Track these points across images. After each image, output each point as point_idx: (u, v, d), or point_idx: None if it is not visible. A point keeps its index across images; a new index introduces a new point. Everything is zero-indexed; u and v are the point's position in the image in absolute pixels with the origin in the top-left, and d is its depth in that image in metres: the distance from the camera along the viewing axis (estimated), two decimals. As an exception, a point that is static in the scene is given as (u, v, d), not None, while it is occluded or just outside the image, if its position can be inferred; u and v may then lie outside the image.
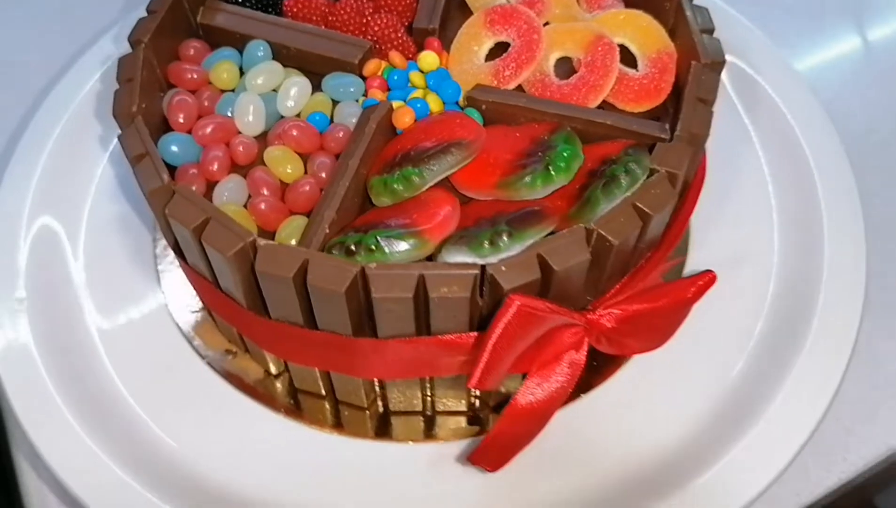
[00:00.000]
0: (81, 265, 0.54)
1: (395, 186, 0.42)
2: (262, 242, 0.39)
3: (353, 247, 0.39)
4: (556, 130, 0.44)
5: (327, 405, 0.50)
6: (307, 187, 0.44)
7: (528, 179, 0.42)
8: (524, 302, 0.36)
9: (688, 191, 0.47)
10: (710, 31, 0.48)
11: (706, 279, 0.44)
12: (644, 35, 0.49)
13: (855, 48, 0.71)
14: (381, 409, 0.49)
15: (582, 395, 0.49)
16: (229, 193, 0.44)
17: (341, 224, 0.42)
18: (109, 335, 0.52)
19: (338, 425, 0.49)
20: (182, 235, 0.42)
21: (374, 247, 0.39)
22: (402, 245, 0.39)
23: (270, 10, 0.52)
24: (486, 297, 0.39)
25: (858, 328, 0.50)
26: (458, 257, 0.38)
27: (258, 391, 0.50)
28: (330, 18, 0.51)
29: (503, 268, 0.38)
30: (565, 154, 0.42)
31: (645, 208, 0.40)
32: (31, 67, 0.68)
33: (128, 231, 0.56)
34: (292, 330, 0.42)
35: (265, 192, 0.44)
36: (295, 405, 0.50)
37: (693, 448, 0.47)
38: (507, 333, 0.37)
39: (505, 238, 0.38)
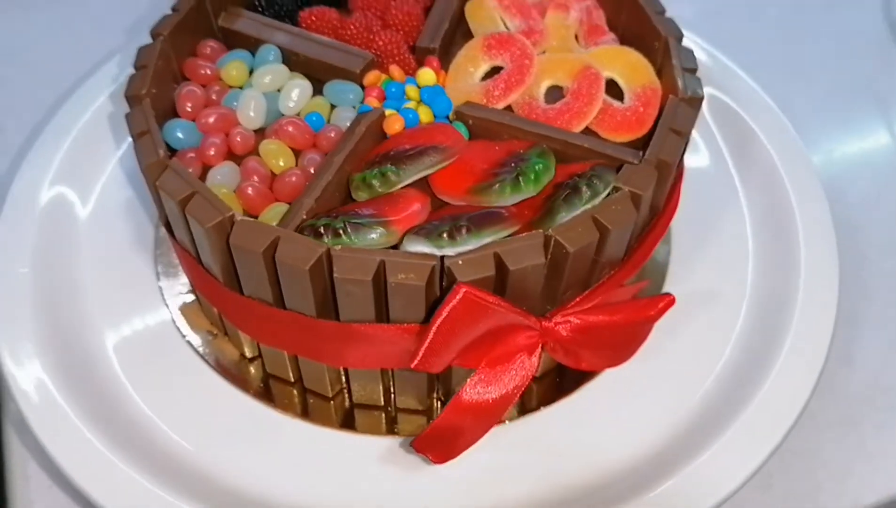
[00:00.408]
0: (86, 241, 0.57)
1: (373, 181, 0.45)
2: (238, 217, 0.42)
3: (321, 229, 0.41)
4: (533, 146, 0.47)
5: (296, 392, 0.52)
6: (293, 178, 0.47)
7: (497, 186, 0.44)
8: (471, 290, 0.38)
9: (656, 218, 0.48)
10: (693, 70, 0.50)
11: (665, 300, 0.46)
12: (632, 70, 0.52)
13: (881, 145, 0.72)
14: (346, 401, 0.51)
15: (546, 406, 0.51)
16: (222, 176, 0.47)
17: (319, 213, 0.45)
18: (100, 309, 0.54)
19: (304, 412, 0.51)
20: (170, 208, 0.44)
21: (341, 231, 0.41)
22: (368, 232, 0.41)
23: (287, 20, 0.56)
24: (444, 289, 0.41)
25: (824, 362, 0.51)
26: (418, 246, 0.41)
27: (232, 373, 0.52)
28: (340, 32, 0.54)
29: (459, 261, 0.40)
30: (537, 167, 0.45)
31: (604, 222, 0.42)
32: (60, 67, 0.72)
33: (131, 216, 0.59)
34: (262, 308, 0.44)
35: (255, 179, 0.47)
36: (266, 389, 0.52)
37: (655, 461, 0.48)
38: (453, 317, 0.39)
39: (464, 232, 0.40)
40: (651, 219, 0.48)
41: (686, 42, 0.51)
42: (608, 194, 0.44)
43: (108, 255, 0.57)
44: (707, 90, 0.65)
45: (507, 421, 0.50)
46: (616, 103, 0.51)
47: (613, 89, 0.52)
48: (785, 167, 0.60)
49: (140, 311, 0.55)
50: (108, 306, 0.55)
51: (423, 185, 0.47)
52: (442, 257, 0.40)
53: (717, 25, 0.76)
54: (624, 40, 0.55)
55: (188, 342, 0.53)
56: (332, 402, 0.51)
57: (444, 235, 0.40)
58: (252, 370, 0.53)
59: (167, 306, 0.55)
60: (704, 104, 0.65)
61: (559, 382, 0.52)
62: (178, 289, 0.56)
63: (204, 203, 0.42)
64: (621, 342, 0.47)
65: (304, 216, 0.44)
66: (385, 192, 0.45)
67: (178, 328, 0.54)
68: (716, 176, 0.63)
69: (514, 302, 0.42)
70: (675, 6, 0.55)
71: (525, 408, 0.51)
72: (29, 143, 0.63)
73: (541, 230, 0.41)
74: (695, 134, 0.64)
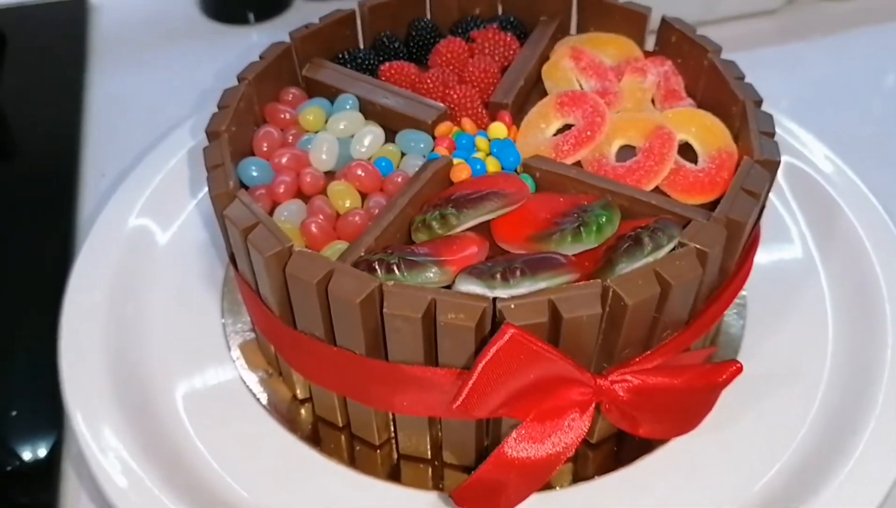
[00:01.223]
0: (160, 273, 0.59)
1: (432, 222, 0.44)
2: (297, 248, 0.42)
3: (375, 265, 0.41)
4: (598, 200, 0.46)
5: (343, 438, 0.51)
6: (357, 219, 0.47)
7: (557, 235, 0.43)
8: (519, 333, 0.37)
9: (726, 282, 0.46)
10: (771, 134, 0.48)
11: (733, 368, 0.43)
12: (706, 132, 0.51)
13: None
14: (394, 451, 0.50)
15: (601, 475, 0.48)
16: (288, 213, 0.48)
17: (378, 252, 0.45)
18: (165, 339, 0.55)
19: (351, 460, 0.50)
20: (234, 237, 0.45)
21: (395, 267, 0.41)
22: (422, 270, 0.41)
23: (368, 73, 0.57)
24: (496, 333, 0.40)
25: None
26: (469, 286, 0.40)
27: (283, 414, 0.52)
28: (418, 85, 0.56)
29: (512, 305, 0.39)
30: (600, 219, 0.44)
31: (666, 276, 0.40)
32: (163, 119, 0.76)
33: (204, 256, 0.61)
34: (314, 344, 0.44)
35: (320, 218, 0.48)
36: (314, 433, 0.51)
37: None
38: (499, 359, 0.37)
39: (518, 275, 0.39)
40: (720, 282, 0.46)
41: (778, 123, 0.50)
42: (673, 250, 0.42)
43: (179, 288, 0.58)
44: (790, 160, 0.63)
45: (558, 487, 0.48)
46: (689, 165, 0.50)
47: (689, 154, 0.51)
48: (873, 246, 0.57)
49: (201, 346, 0.55)
50: (172, 338, 0.56)
51: (484, 232, 0.46)
52: (494, 300, 0.39)
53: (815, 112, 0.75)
54: (702, 106, 0.54)
55: (243, 381, 0.53)
56: (378, 451, 0.50)
57: (498, 276, 0.39)
58: (303, 412, 0.52)
59: (227, 343, 0.55)
60: (787, 177, 0.63)
61: (617, 451, 0.50)
62: (241, 326, 0.56)
63: (265, 233, 0.43)
64: (683, 410, 0.44)
65: (363, 254, 0.44)
66: (444, 234, 0.45)
67: (235, 366, 0.54)
68: (796, 250, 0.60)
69: (567, 354, 0.41)
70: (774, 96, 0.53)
71: (579, 475, 0.49)
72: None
73: (599, 280, 0.40)
74: (775, 204, 0.62)
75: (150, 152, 0.66)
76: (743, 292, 0.57)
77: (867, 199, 0.60)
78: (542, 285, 0.40)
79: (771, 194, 0.62)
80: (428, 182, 0.48)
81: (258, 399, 0.52)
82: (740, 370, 0.44)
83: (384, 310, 0.40)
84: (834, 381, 0.51)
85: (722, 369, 0.44)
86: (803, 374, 0.52)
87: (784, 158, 0.64)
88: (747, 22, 0.94)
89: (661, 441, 0.49)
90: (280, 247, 0.42)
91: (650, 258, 0.41)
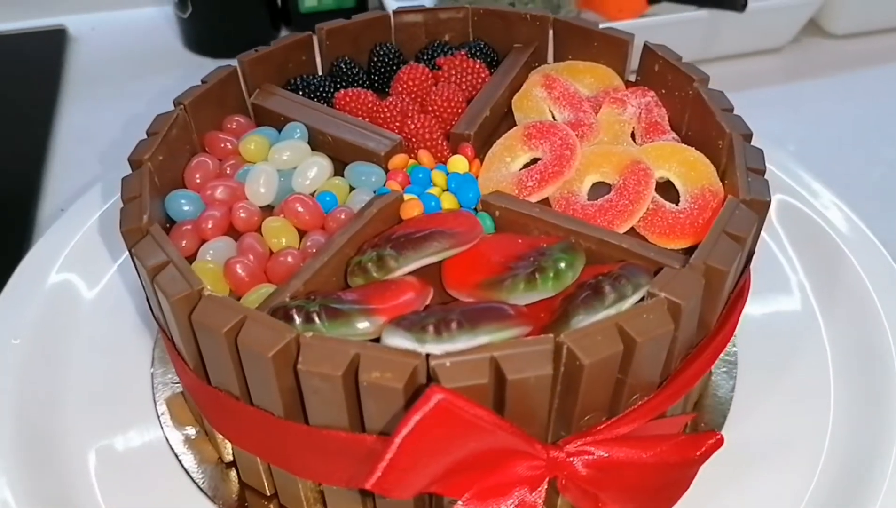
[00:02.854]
0: (87, 322, 0.54)
1: (368, 264, 0.39)
2: (207, 292, 0.37)
3: (292, 312, 0.35)
4: (560, 241, 0.40)
5: (272, 509, 0.45)
6: (289, 259, 0.42)
7: (509, 281, 0.38)
8: (451, 398, 0.31)
9: (707, 338, 0.40)
10: (760, 171, 0.43)
11: (712, 440, 0.37)
12: (689, 169, 0.45)
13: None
14: (326, 526, 0.44)
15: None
16: (214, 251, 0.43)
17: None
18: (86, 387, 0.50)
19: (283, 537, 0.44)
20: (144, 278, 0.40)
21: (315, 315, 0.35)
22: (347, 320, 0.36)
23: (322, 100, 0.52)
24: (428, 396, 0.34)
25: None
26: (397, 340, 0.34)
27: (208, 479, 0.46)
28: (374, 114, 0.51)
29: (447, 363, 0.33)
30: (559, 264, 0.38)
31: (630, 332, 0.35)
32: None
33: (139, 304, 0.55)
34: (230, 402, 0.39)
35: (250, 257, 0.42)
36: (240, 503, 0.45)
37: None
38: (425, 429, 0.31)
39: (453, 327, 0.33)
40: (700, 339, 0.40)
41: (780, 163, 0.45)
42: (641, 301, 0.36)
43: (107, 337, 0.53)
44: (788, 202, 0.58)
45: (514, 573, 0.41)
46: (669, 205, 0.44)
47: (671, 193, 0.46)
48: (880, 298, 0.50)
49: (125, 398, 0.49)
50: (94, 387, 0.50)
51: (435, 277, 0.41)
52: (428, 356, 0.34)
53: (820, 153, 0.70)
54: (688, 141, 0.48)
55: (167, 440, 0.47)
56: (310, 526, 0.44)
57: (430, 328, 0.34)
58: (231, 477, 0.46)
59: (154, 396, 0.49)
60: (785, 221, 0.57)
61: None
62: (172, 377, 0.50)
63: (174, 274, 0.38)
64: (654, 488, 0.38)
65: (287, 300, 0.38)
66: (381, 278, 0.39)
67: (160, 422, 0.48)
68: (795, 302, 0.54)
69: (515, 421, 0.35)
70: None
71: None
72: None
73: (551, 335, 0.34)
74: (772, 250, 0.56)
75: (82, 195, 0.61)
76: (733, 349, 0.51)
77: (874, 246, 0.54)
78: (482, 339, 0.34)
79: (768, 241, 0.56)
80: (373, 219, 0.43)
81: (180, 461, 0.46)
82: (721, 442, 0.37)
83: (298, 366, 0.34)
84: (834, 456, 0.45)
85: (699, 441, 0.37)
86: (799, 446, 0.45)
87: (783, 200, 0.58)
88: (750, 60, 0.89)
89: (634, 522, 0.42)
90: (189, 290, 0.37)
91: (612, 310, 0.35)
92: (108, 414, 0.49)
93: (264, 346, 0.35)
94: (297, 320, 0.35)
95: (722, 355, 0.50)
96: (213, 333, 0.36)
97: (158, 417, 0.48)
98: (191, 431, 0.48)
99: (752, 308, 0.49)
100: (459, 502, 0.35)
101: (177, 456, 0.46)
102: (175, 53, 0.93)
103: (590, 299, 0.35)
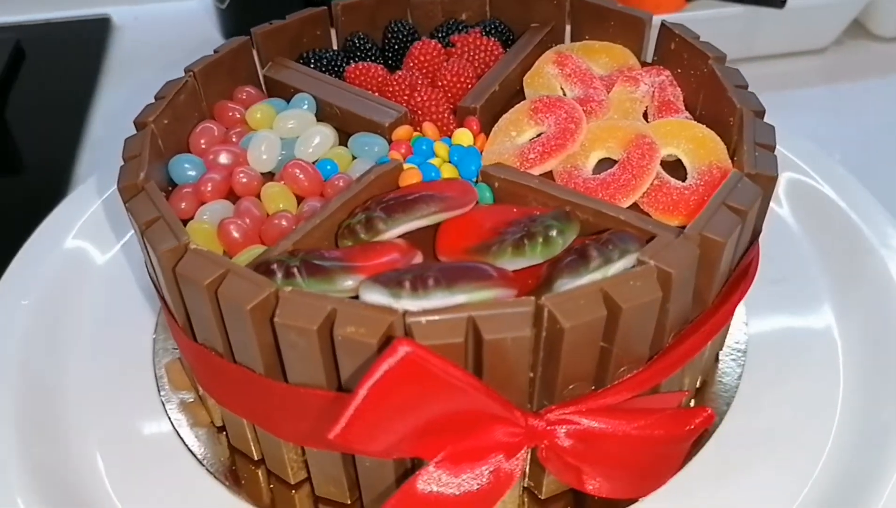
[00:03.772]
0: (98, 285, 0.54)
1: (357, 226, 0.38)
2: (193, 246, 0.37)
3: (273, 266, 0.35)
4: (554, 209, 0.39)
5: (261, 475, 0.44)
6: (283, 222, 0.42)
7: (496, 247, 0.37)
8: (417, 352, 0.30)
9: (704, 314, 0.39)
10: (770, 147, 0.41)
11: (703, 415, 0.36)
12: (698, 145, 0.44)
13: None
14: (312, 493, 0.43)
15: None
16: (211, 213, 0.43)
17: (294, 257, 0.39)
18: (89, 352, 0.50)
19: (268, 502, 0.43)
20: (137, 234, 0.40)
21: (295, 270, 0.35)
22: (327, 276, 0.35)
23: (334, 74, 0.52)
24: (404, 355, 0.33)
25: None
26: (373, 295, 0.34)
27: (200, 443, 0.46)
28: (384, 88, 0.50)
29: (423, 320, 0.33)
30: (550, 232, 0.37)
31: (615, 298, 0.33)
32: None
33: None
34: (213, 359, 0.38)
35: (246, 221, 0.42)
36: (232, 471, 0.45)
37: None
38: (391, 382, 0.30)
39: (430, 284, 0.33)
40: (697, 314, 0.39)
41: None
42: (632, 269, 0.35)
43: (114, 304, 0.53)
44: (799, 178, 0.56)
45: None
46: (674, 182, 0.43)
47: (680, 172, 0.44)
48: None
49: (126, 361, 0.50)
50: (98, 351, 0.50)
51: (429, 245, 0.40)
52: (405, 314, 0.33)
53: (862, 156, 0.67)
54: (701, 121, 0.47)
55: (162, 404, 0.47)
56: (295, 493, 0.43)
57: (406, 284, 0.33)
58: (222, 441, 0.46)
59: (154, 362, 0.50)
60: (813, 215, 0.55)
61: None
62: (172, 344, 0.51)
63: (164, 229, 0.38)
64: (639, 464, 0.37)
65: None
66: (369, 240, 0.38)
67: (157, 386, 0.48)
68: (813, 293, 0.52)
69: (494, 385, 0.34)
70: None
71: (526, 538, 0.41)
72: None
73: (532, 298, 0.33)
74: (797, 238, 0.54)
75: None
76: (745, 335, 0.49)
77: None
78: (459, 298, 0.33)
79: (796, 230, 0.54)
80: (369, 186, 0.42)
81: (174, 425, 0.46)
82: (711, 418, 0.36)
83: (275, 319, 0.34)
84: (838, 454, 0.42)
85: (689, 416, 0.36)
86: (802, 441, 0.43)
87: (798, 180, 0.56)
88: (791, 60, 0.87)
89: (627, 502, 0.41)
90: (176, 244, 0.37)
91: (597, 275, 0.34)
92: (107, 375, 0.49)
93: (243, 299, 0.34)
94: (279, 274, 0.35)
95: (732, 342, 0.49)
96: (196, 285, 0.36)
97: (157, 381, 0.49)
98: (187, 396, 0.48)
99: (768, 297, 0.48)
100: (430, 465, 0.34)
101: (171, 420, 0.46)
102: (213, 43, 0.92)
103: (574, 263, 0.34)
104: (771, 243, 0.50)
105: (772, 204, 0.57)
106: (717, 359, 0.48)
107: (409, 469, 0.38)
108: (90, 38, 0.97)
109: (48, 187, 0.75)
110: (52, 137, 0.83)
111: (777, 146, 0.41)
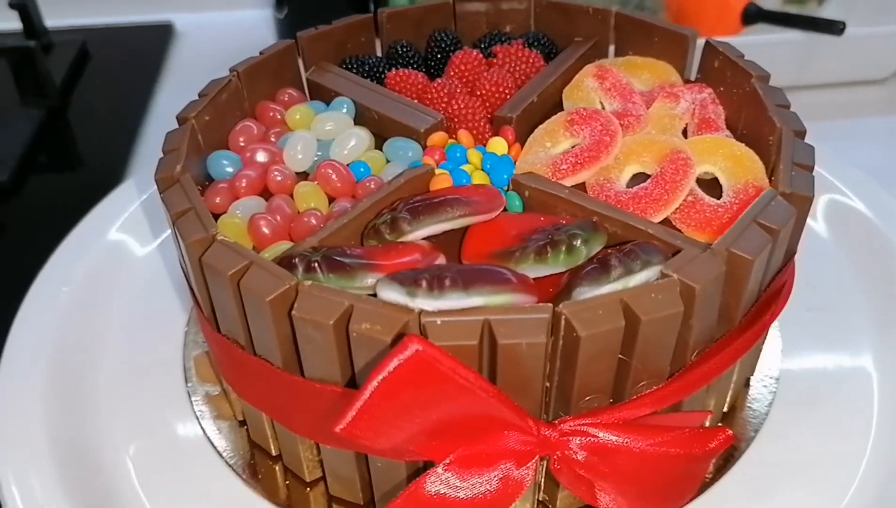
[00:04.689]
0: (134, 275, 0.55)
1: (382, 226, 0.39)
2: (220, 237, 0.37)
3: (295, 260, 0.35)
4: (581, 219, 0.39)
5: (278, 471, 0.45)
6: (312, 220, 0.42)
7: (518, 253, 0.37)
8: (428, 349, 0.30)
9: (730, 334, 0.38)
10: (808, 167, 0.40)
11: (722, 436, 0.35)
12: (735, 164, 0.43)
13: None
14: (327, 492, 0.43)
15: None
16: (243, 209, 0.43)
17: (318, 254, 0.39)
18: (121, 344, 0.52)
19: (284, 497, 0.44)
20: (169, 223, 0.41)
21: (316, 265, 0.35)
22: (348, 273, 0.35)
23: (375, 80, 0.53)
24: (419, 355, 0.33)
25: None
26: (388, 293, 0.34)
27: (222, 436, 0.46)
28: (423, 95, 0.51)
29: (438, 321, 0.32)
30: (575, 240, 0.36)
31: (634, 309, 0.33)
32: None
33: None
34: (235, 350, 0.39)
35: (277, 218, 0.43)
36: (251, 464, 0.45)
37: None
38: (401, 379, 0.30)
39: (446, 284, 0.33)
40: (722, 333, 0.38)
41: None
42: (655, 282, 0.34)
43: (150, 297, 0.55)
44: (846, 205, 0.54)
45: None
46: (708, 199, 0.42)
47: (716, 191, 0.44)
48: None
49: (157, 354, 0.51)
50: (133, 337, 0.52)
51: (455, 250, 0.40)
52: (421, 314, 0.33)
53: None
54: (742, 140, 0.46)
55: (188, 395, 0.48)
56: (310, 491, 0.43)
57: (423, 282, 0.33)
58: (244, 435, 0.46)
59: (183, 355, 0.50)
60: (843, 228, 0.54)
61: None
62: (203, 338, 0.51)
63: (194, 220, 0.39)
64: (654, 483, 0.36)
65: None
66: (393, 240, 0.39)
67: (185, 378, 0.49)
68: (849, 321, 0.50)
69: (507, 392, 0.33)
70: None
71: (539, 554, 0.41)
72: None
73: (550, 304, 0.33)
74: (842, 269, 0.53)
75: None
76: (779, 363, 0.48)
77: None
78: (475, 300, 0.33)
79: (840, 259, 0.53)
80: (400, 189, 0.43)
81: (197, 417, 0.47)
82: (730, 439, 0.35)
83: (293, 313, 0.34)
84: (865, 486, 0.41)
85: (707, 436, 0.35)
86: (830, 471, 0.42)
87: (858, 224, 0.54)
88: (850, 90, 0.84)
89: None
90: (204, 234, 0.38)
91: (618, 285, 0.34)
92: (138, 363, 0.50)
93: (264, 291, 0.35)
94: (300, 268, 0.35)
95: (765, 368, 0.47)
96: (220, 276, 0.36)
97: (185, 372, 0.49)
98: (212, 389, 0.48)
99: (806, 327, 0.47)
100: (439, 466, 0.33)
101: (195, 412, 0.47)
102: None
103: (595, 271, 0.34)
104: (812, 270, 0.49)
105: (815, 231, 0.56)
106: (747, 384, 0.47)
107: (421, 470, 0.38)
108: (152, 43, 1.00)
109: (103, 183, 0.77)
110: (111, 135, 0.86)
111: (827, 174, 0.40)
